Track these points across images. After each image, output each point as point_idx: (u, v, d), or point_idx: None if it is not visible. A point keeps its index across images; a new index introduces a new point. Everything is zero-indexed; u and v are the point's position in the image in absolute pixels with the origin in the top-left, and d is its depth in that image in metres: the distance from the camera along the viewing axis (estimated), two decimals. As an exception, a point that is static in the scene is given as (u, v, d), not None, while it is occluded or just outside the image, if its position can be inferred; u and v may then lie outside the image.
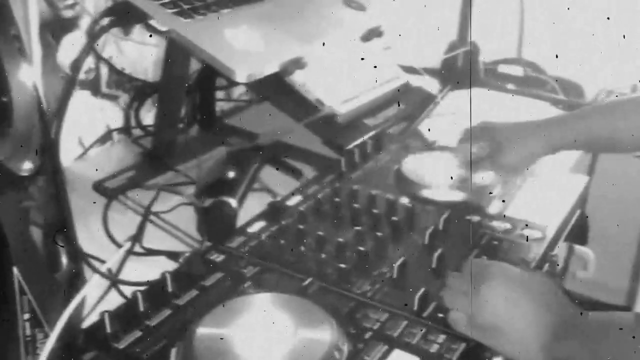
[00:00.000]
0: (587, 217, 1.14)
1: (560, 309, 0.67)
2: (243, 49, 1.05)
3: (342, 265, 0.82)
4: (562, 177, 1.04)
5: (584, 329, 0.65)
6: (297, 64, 1.12)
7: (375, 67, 1.32)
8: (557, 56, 1.51)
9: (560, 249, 0.98)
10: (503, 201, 0.97)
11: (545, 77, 1.54)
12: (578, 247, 1.07)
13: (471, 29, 1.50)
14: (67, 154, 1.19)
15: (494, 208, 0.96)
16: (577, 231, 1.03)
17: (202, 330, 0.69)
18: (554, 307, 0.67)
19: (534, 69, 1.59)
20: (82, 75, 1.19)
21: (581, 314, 0.66)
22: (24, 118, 0.70)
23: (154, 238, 0.95)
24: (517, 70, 1.58)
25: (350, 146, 1.12)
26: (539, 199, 0.99)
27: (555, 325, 0.65)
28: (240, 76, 1.00)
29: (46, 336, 0.69)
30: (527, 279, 0.69)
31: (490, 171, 0.97)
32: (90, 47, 1.09)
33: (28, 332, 0.68)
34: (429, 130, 1.25)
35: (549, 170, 1.05)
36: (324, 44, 1.20)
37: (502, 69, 1.58)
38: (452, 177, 0.99)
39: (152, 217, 0.99)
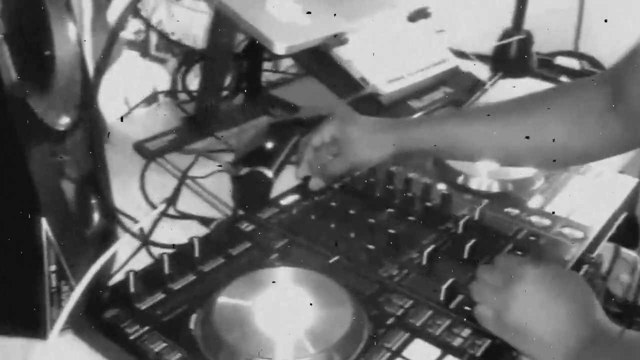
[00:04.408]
0: (637, 219, 1.10)
1: (593, 320, 0.63)
2: (284, 20, 1.04)
3: (371, 247, 0.81)
4: (609, 177, 1.00)
5: (616, 346, 0.61)
6: (338, 40, 1.10)
7: (423, 48, 1.30)
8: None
9: (606, 251, 0.94)
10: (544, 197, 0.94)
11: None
12: (625, 250, 1.03)
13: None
14: (113, 112, 1.20)
15: (534, 202, 0.94)
16: (627, 234, 0.99)
17: (224, 299, 0.69)
18: (586, 316, 0.63)
19: (591, 62, 1.54)
20: (131, 36, 1.20)
21: (616, 330, 0.62)
22: (65, 73, 0.70)
23: (188, 202, 0.95)
24: (573, 63, 1.53)
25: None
26: (583, 197, 0.95)
27: (585, 335, 0.62)
28: (279, 48, 0.98)
29: (71, 289, 0.69)
30: (562, 282, 0.65)
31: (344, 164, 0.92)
32: (133, 6, 1.08)
33: (54, 283, 0.68)
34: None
35: (596, 169, 1.01)
36: (370, 21, 1.17)
37: (558, 60, 1.53)
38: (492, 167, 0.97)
39: (188, 182, 1.00)
